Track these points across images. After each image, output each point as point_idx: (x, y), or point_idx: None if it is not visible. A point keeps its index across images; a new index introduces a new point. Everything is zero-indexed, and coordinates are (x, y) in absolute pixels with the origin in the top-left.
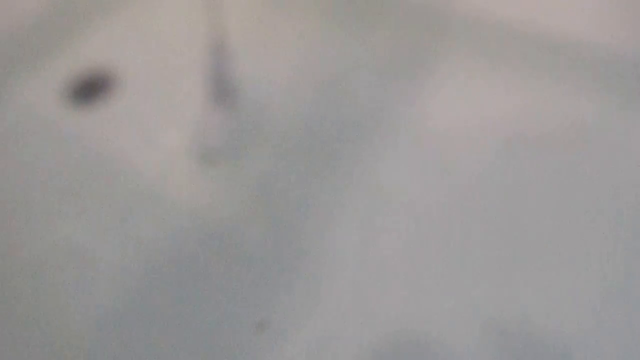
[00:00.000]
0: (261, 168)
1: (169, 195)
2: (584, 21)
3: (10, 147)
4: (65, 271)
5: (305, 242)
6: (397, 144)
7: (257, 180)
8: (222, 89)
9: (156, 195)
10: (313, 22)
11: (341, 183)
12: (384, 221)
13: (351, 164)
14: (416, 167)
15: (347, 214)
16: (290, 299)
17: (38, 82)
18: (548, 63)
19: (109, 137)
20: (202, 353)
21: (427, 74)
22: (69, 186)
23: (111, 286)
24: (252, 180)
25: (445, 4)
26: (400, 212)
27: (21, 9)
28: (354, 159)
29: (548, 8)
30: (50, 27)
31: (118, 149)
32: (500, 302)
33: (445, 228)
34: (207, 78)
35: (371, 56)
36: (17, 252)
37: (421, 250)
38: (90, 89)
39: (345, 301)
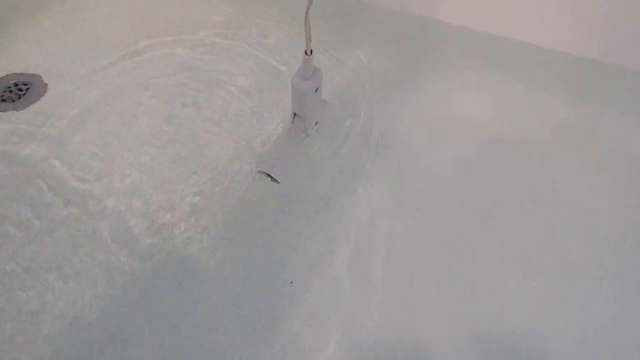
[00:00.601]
0: None
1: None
2: (555, 33)
3: None
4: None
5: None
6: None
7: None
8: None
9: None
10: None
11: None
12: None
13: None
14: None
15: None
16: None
17: None
18: (524, 69)
19: (35, 140)
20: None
21: (411, 81)
22: None
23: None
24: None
25: (428, 15)
26: (385, 221)
27: None
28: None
29: (522, 21)
30: None
31: (41, 153)
32: (486, 314)
33: (431, 232)
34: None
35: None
36: None
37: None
38: (14, 93)
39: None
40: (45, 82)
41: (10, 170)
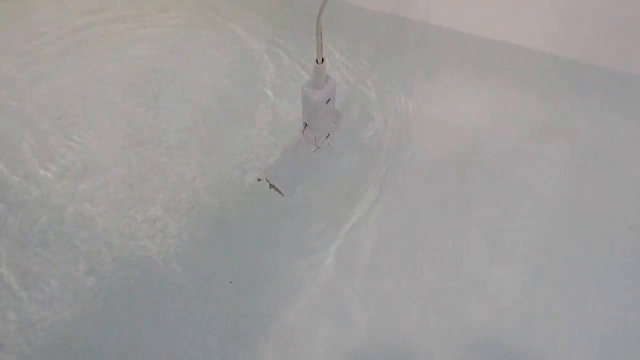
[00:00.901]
0: None
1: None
2: (544, 36)
3: None
4: None
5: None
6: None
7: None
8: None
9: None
10: None
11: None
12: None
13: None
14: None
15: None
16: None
17: None
18: (513, 71)
19: None
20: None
21: (405, 82)
22: None
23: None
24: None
25: (420, 18)
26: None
27: None
28: None
29: (511, 23)
30: None
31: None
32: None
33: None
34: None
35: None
36: None
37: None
38: None
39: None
40: None
41: None
